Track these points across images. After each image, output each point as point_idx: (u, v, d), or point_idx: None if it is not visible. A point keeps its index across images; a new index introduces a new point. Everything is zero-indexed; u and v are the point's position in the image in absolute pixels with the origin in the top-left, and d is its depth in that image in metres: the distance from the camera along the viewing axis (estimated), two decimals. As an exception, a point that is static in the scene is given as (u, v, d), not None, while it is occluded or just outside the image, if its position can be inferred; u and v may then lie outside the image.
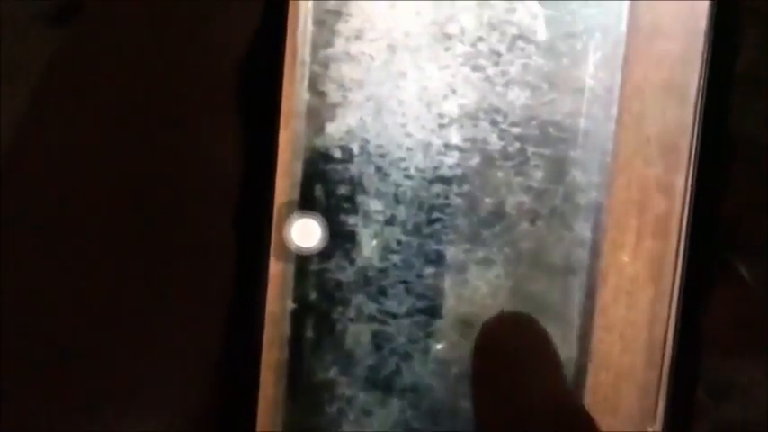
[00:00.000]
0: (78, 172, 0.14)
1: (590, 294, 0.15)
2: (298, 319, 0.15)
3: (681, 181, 0.15)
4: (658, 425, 0.16)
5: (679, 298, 0.16)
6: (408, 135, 0.15)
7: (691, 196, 0.15)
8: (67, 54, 0.15)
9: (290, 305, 0.15)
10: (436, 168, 0.15)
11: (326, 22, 0.14)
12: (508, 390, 0.13)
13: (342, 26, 0.14)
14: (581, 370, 0.15)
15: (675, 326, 0.16)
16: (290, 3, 0.14)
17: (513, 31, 0.15)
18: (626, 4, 0.15)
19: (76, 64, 0.15)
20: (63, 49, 0.15)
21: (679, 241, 0.15)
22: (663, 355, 0.16)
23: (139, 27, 0.14)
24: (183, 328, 0.14)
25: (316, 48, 0.14)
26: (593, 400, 0.15)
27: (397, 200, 0.15)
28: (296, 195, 0.14)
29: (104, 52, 0.15)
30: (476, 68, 0.15)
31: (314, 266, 0.15)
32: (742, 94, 0.16)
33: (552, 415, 0.13)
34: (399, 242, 0.15)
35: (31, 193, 0.14)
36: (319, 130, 0.14)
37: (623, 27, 0.15)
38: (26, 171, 0.14)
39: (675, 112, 0.15)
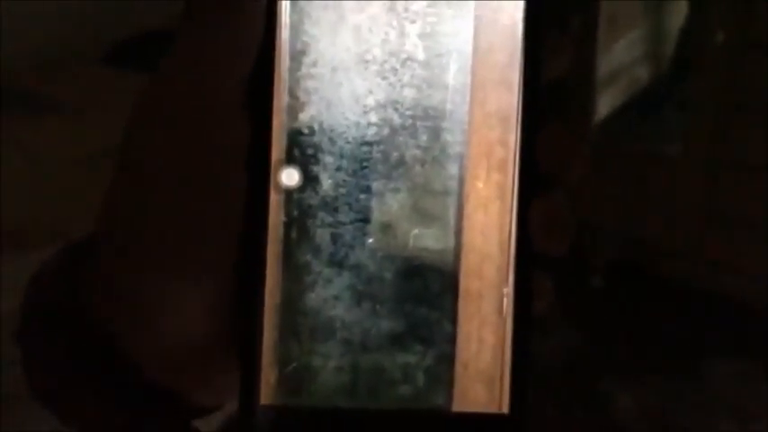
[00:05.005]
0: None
1: (460, 208, 0.25)
2: (287, 227, 0.25)
3: (512, 137, 0.25)
4: (510, 287, 0.26)
5: (517, 209, 0.25)
6: (346, 118, 0.25)
7: (519, 146, 0.25)
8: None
9: (283, 218, 0.25)
10: (363, 136, 0.25)
11: (296, 56, 0.25)
12: None
13: (305, 58, 0.25)
14: (457, 254, 0.25)
15: (516, 228, 0.25)
16: (276, 47, 0.25)
17: (404, 55, 0.25)
18: (471, 34, 0.25)
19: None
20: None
21: (514, 175, 0.25)
22: (509, 245, 0.26)
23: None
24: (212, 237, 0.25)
25: (291, 71, 0.25)
26: (466, 272, 0.25)
27: (342, 156, 0.25)
28: (283, 155, 0.25)
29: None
30: (383, 78, 0.25)
31: (295, 196, 0.25)
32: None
33: None
34: (344, 180, 0.25)
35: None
36: (295, 117, 0.25)
37: (470, 47, 0.25)
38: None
39: (505, 96, 0.25)
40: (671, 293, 1.44)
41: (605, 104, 1.38)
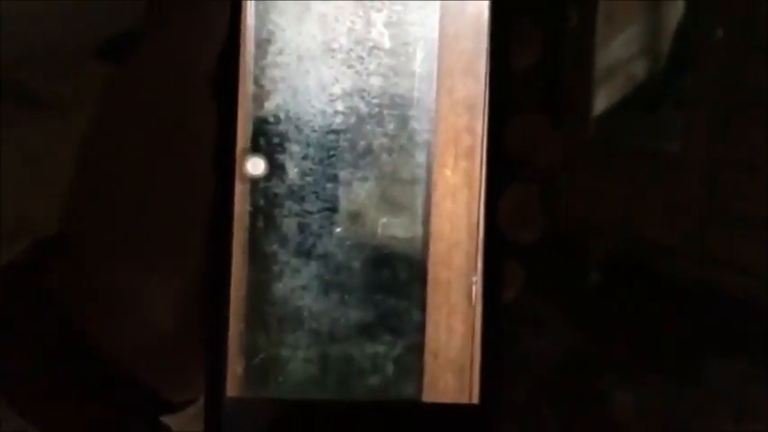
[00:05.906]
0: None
1: (428, 196, 0.25)
2: (253, 216, 0.25)
3: (479, 125, 0.25)
4: (479, 276, 0.25)
5: (485, 197, 0.25)
6: (312, 106, 0.25)
7: (486, 134, 0.25)
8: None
9: (248, 208, 0.25)
10: (329, 125, 0.25)
11: (261, 44, 0.25)
12: None
13: (271, 47, 0.25)
14: (425, 243, 0.25)
15: (484, 215, 0.25)
16: (241, 34, 0.25)
17: (370, 43, 0.25)
18: (437, 22, 0.25)
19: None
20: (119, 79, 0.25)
21: (481, 162, 0.25)
22: (478, 233, 0.25)
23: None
24: (177, 226, 0.24)
25: (257, 59, 0.25)
26: (434, 260, 0.25)
27: (308, 144, 0.25)
28: (248, 144, 0.25)
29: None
30: (350, 66, 0.25)
31: (261, 185, 0.25)
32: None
33: None
34: (311, 169, 0.25)
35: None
36: (260, 106, 0.25)
37: (437, 35, 0.25)
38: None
39: (472, 84, 0.25)
40: (671, 292, 1.43)
41: (603, 101, 1.37)
